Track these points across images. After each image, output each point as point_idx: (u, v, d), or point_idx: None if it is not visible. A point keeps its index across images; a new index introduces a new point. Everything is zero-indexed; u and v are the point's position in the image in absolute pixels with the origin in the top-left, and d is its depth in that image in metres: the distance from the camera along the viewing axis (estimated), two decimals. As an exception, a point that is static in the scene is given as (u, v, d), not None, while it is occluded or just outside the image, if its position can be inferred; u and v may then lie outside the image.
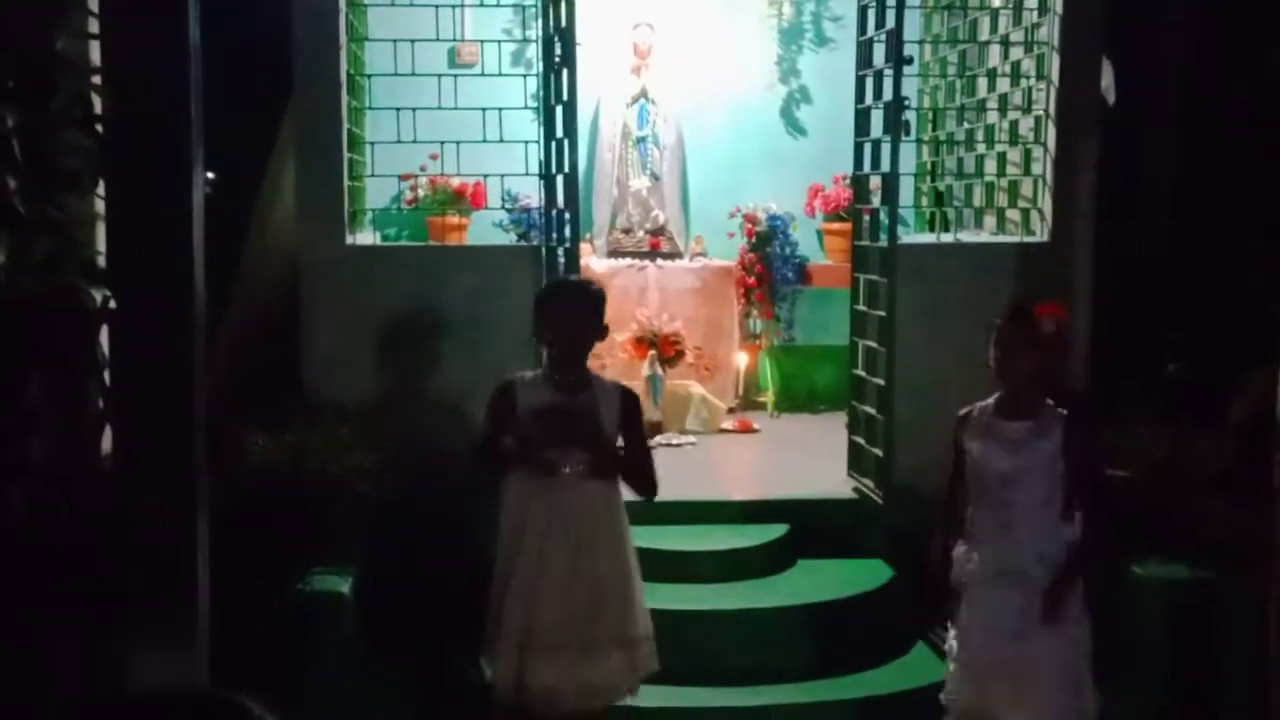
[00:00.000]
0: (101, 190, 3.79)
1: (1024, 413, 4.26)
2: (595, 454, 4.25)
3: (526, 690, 4.25)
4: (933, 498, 5.86)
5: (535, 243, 6.66)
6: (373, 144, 6.64)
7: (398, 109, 6.31)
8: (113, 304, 3.45)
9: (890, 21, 5.99)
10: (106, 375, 3.85)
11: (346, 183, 6.25)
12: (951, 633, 4.40)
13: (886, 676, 5.36)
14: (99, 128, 4.02)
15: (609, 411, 4.31)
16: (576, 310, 4.33)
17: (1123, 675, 5.23)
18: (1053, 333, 4.22)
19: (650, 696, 5.01)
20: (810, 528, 6.08)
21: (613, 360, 7.71)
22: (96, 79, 3.74)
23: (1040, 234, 6.48)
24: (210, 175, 9.19)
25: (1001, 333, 4.24)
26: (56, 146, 3.37)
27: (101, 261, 4.12)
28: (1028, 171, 6.60)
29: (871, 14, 6.22)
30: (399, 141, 6.31)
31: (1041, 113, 6.46)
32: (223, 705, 1.59)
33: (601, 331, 4.41)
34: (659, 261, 8.25)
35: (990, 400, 4.34)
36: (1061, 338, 4.26)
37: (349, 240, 6.27)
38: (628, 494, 4.43)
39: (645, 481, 4.40)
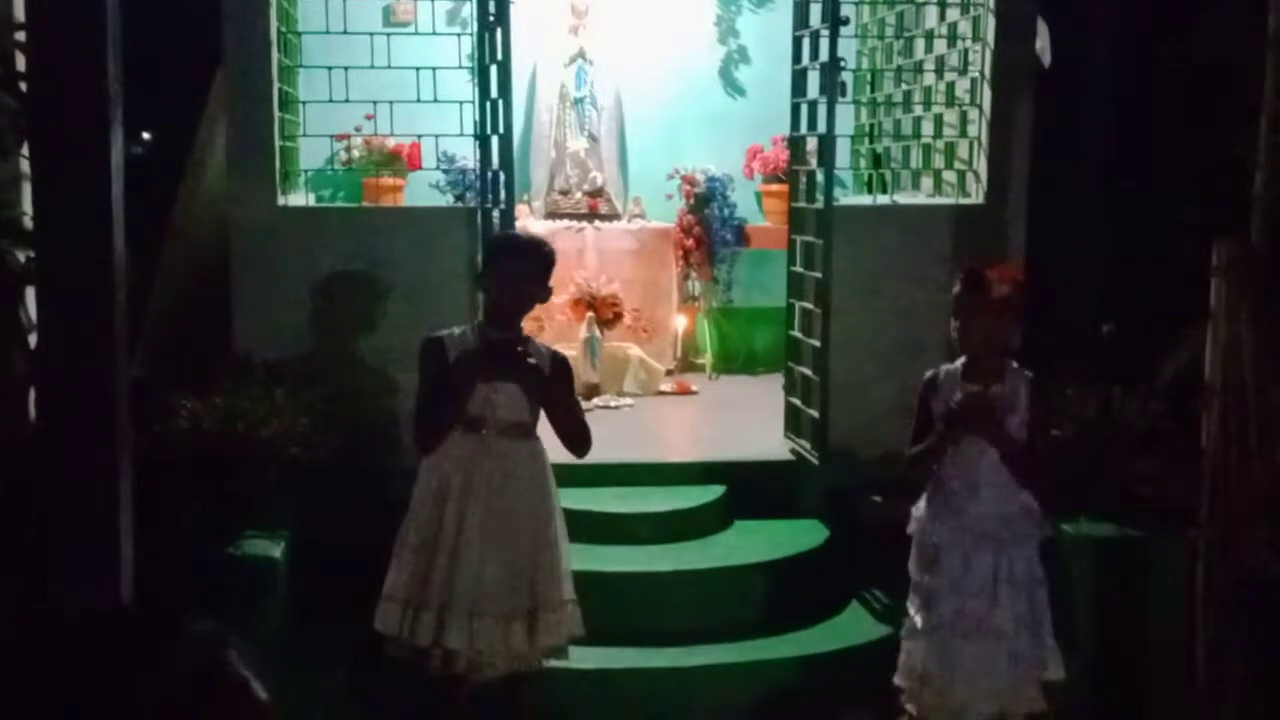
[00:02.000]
0: (27, 151, 3.73)
1: (989, 376, 4.27)
2: (532, 386, 4.21)
3: (449, 656, 4.24)
4: (869, 460, 5.95)
5: (471, 204, 6.61)
6: (305, 103, 6.55)
7: (330, 68, 6.22)
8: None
9: (827, -18, 5.97)
10: (33, 339, 3.80)
11: (278, 143, 6.16)
12: (912, 609, 4.39)
13: (822, 635, 5.40)
14: (22, 86, 3.95)
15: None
16: (527, 269, 4.28)
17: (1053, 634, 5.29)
18: (1007, 295, 4.22)
19: (586, 658, 5.02)
20: (747, 489, 6.10)
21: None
22: (20, 35, 3.67)
23: (976, 196, 6.51)
24: (145, 136, 9.08)
25: (959, 300, 4.25)
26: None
27: (28, 223, 4.06)
28: (964, 133, 6.62)
29: (808, -26, 6.20)
30: (331, 101, 6.23)
31: (977, 74, 6.48)
32: (154, 624, 1.45)
33: (546, 293, 4.39)
34: (597, 223, 8.22)
35: (956, 364, 4.35)
36: (1017, 299, 4.25)
37: (281, 201, 6.19)
38: (556, 456, 4.41)
39: (578, 432, 4.34)
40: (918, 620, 4.34)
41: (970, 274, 4.28)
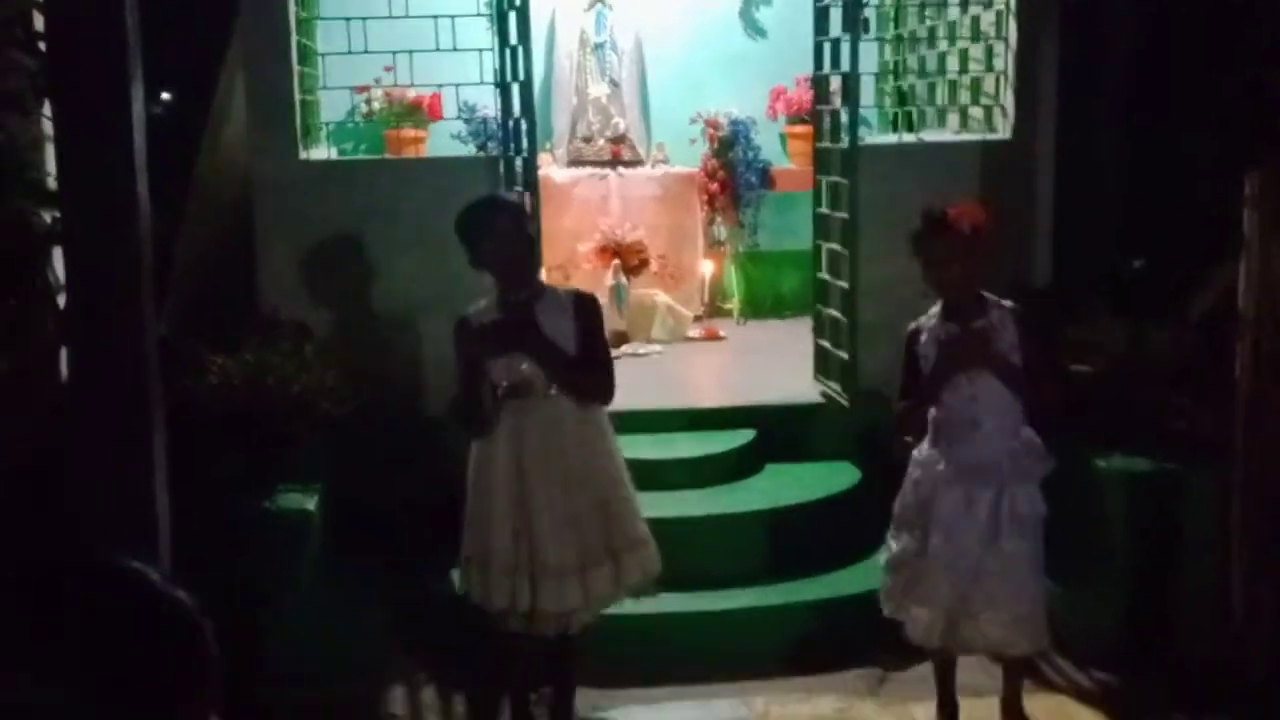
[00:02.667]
0: (49, 111, 3.71)
1: (971, 316, 4.23)
2: (541, 359, 4.20)
3: (539, 617, 4.25)
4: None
5: (494, 153, 6.58)
6: (324, 56, 6.52)
7: (348, 19, 6.19)
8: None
9: (848, -82, 5.89)
10: (61, 300, 3.81)
11: (298, 96, 6.14)
12: (899, 545, 4.38)
13: (853, 576, 5.39)
14: (41, 46, 3.94)
15: (562, 318, 4.25)
16: (496, 231, 4.22)
17: (1088, 568, 5.29)
18: (972, 233, 4.16)
19: (622, 604, 5.06)
20: (778, 433, 6.10)
21: (576, 271, 7.68)
22: (38, -4, 3.66)
23: (1003, 131, 6.44)
24: (165, 96, 9.07)
25: (922, 245, 4.20)
26: (-4, 66, 3.29)
27: (53, 184, 4.05)
28: (990, 68, 6.54)
29: (829, -90, 6.12)
30: (350, 53, 6.20)
31: (1002, 7, 6.39)
32: (111, 575, 1.42)
33: (531, 237, 4.35)
34: (620, 170, 8.17)
35: (935, 310, 4.31)
36: (981, 235, 4.19)
37: (302, 155, 6.17)
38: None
39: (596, 385, 4.32)
40: (907, 559, 4.33)
41: (930, 217, 4.20)
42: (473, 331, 4.21)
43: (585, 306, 4.35)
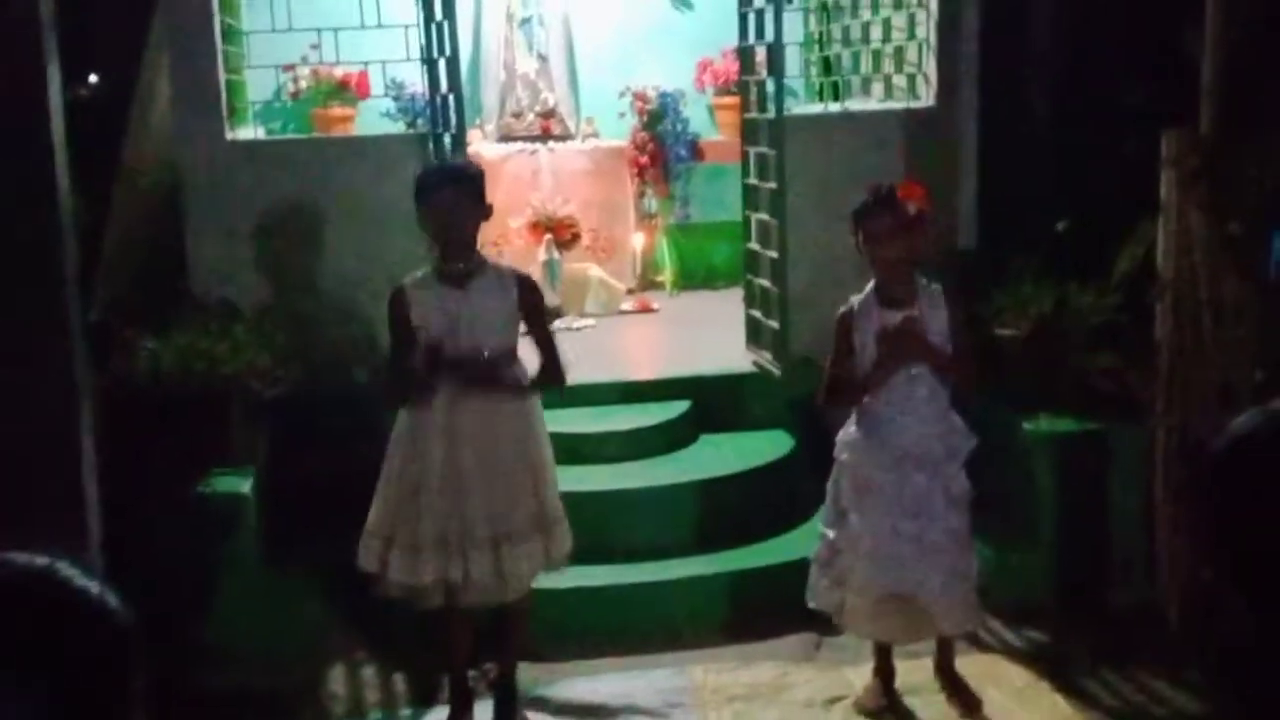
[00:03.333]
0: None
1: (905, 299, 4.26)
2: (486, 386, 4.23)
3: (471, 589, 4.26)
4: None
5: (423, 130, 6.56)
6: (249, 34, 6.47)
7: (272, -3, 6.15)
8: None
9: (769, -112, 5.91)
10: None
11: (224, 76, 6.09)
12: (834, 534, 4.41)
13: (789, 543, 5.45)
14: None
15: (504, 296, 4.26)
16: (455, 198, 4.21)
17: (1016, 529, 5.39)
18: (917, 214, 4.21)
19: (560, 577, 5.08)
20: (712, 403, 6.14)
21: (508, 246, 7.67)
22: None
23: (926, 99, 6.50)
24: (91, 79, 8.93)
25: (867, 223, 4.23)
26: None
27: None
28: (912, 36, 6.59)
29: (751, -119, 6.14)
30: (275, 31, 6.16)
31: (924, -25, 6.45)
32: (25, 575, 1.39)
33: (487, 211, 4.35)
34: (551, 145, 8.17)
35: (868, 290, 4.34)
36: (923, 218, 4.25)
37: (230, 136, 6.13)
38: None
39: (552, 374, 4.36)
40: (841, 547, 4.35)
41: (876, 195, 4.24)
42: (419, 376, 4.20)
43: (530, 288, 4.37)
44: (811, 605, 4.51)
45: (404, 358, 4.26)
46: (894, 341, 4.19)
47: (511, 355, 4.33)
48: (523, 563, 4.31)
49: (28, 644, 1.34)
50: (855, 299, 4.37)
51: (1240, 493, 1.51)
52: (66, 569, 1.40)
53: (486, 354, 4.20)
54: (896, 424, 4.27)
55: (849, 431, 4.39)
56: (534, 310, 4.35)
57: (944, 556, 4.26)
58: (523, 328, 4.37)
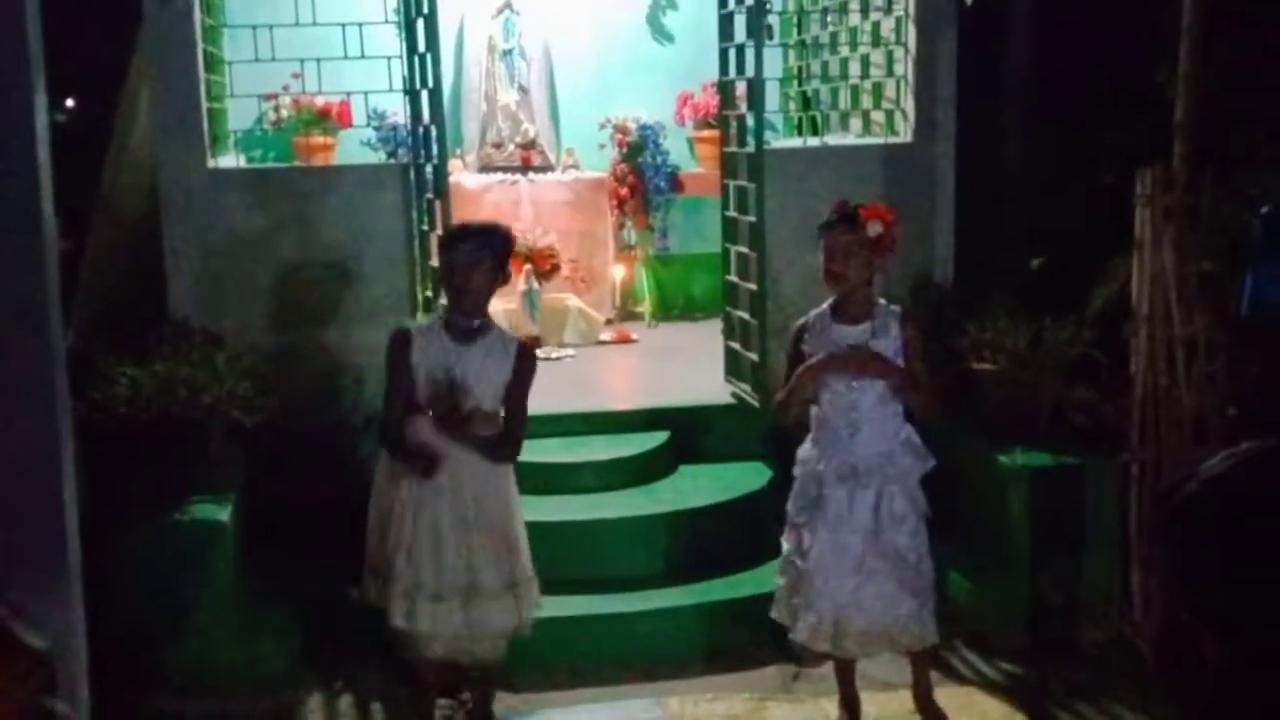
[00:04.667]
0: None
1: (859, 315, 4.31)
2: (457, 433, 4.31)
3: (421, 639, 4.34)
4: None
5: (404, 160, 6.58)
6: (230, 63, 6.49)
7: (254, 26, 6.16)
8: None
9: (750, -75, 5.98)
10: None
11: (205, 105, 6.10)
12: (790, 546, 4.44)
13: (766, 575, 5.41)
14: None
15: (502, 360, 4.34)
16: (480, 257, 4.28)
17: (993, 562, 5.42)
18: (880, 234, 4.26)
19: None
20: (691, 434, 6.16)
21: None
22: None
23: (904, 134, 6.57)
24: (69, 103, 8.90)
25: (830, 239, 4.27)
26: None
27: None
28: (890, 73, 6.66)
29: (732, -83, 6.20)
30: (257, 60, 6.18)
31: (902, 13, 6.52)
32: None
33: (507, 276, 4.43)
34: (531, 175, 8.20)
35: (824, 306, 4.39)
36: (891, 237, 4.29)
37: (211, 164, 6.14)
38: None
39: (507, 443, 4.41)
40: (797, 561, 4.39)
41: (841, 212, 4.30)
42: (413, 447, 4.30)
43: (527, 357, 4.44)
44: (773, 616, 4.54)
45: (399, 399, 4.32)
46: (850, 362, 4.24)
47: (497, 418, 4.39)
48: (494, 619, 4.37)
49: None
50: (812, 313, 4.42)
51: (1211, 535, 1.53)
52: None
53: (474, 406, 4.27)
54: (845, 440, 4.31)
55: (805, 447, 4.44)
56: (521, 378, 4.40)
57: (889, 575, 4.29)
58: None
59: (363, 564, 4.49)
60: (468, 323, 4.32)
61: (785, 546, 4.49)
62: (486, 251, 4.30)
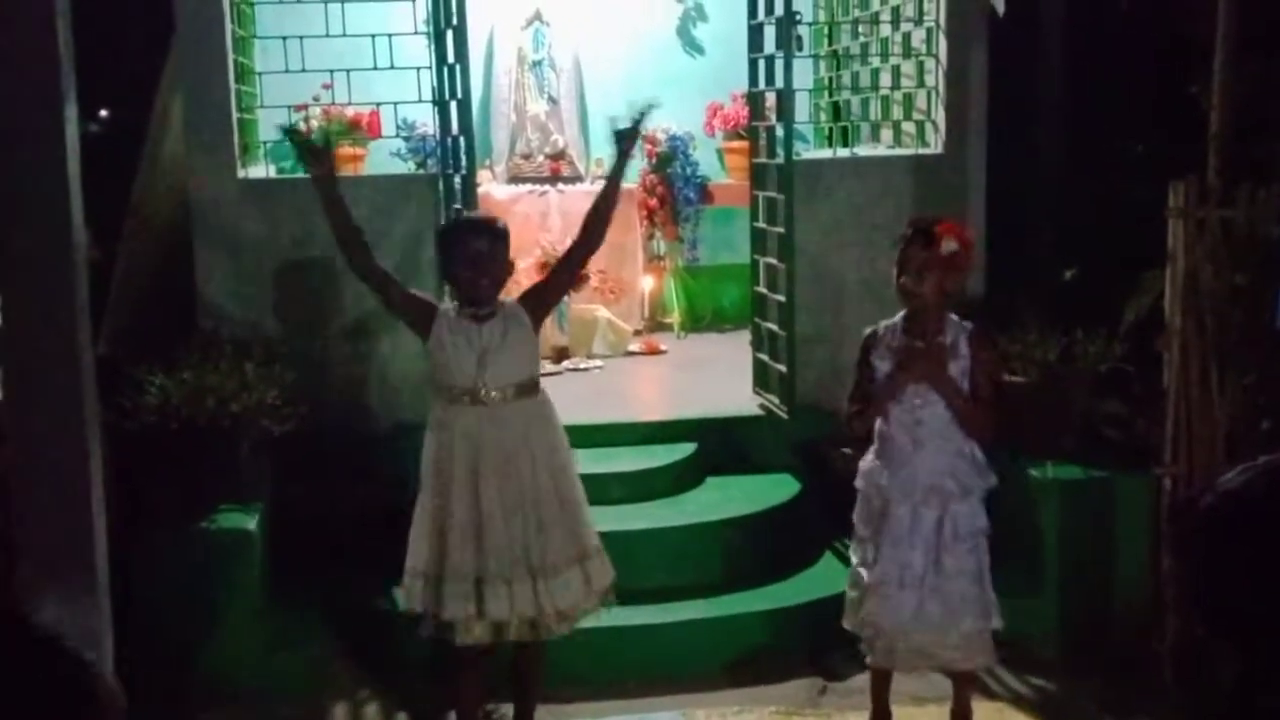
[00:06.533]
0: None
1: (931, 331, 4.29)
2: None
3: (489, 625, 4.24)
4: (837, 412, 5.99)
5: (433, 171, 6.59)
6: (261, 74, 6.52)
7: (285, 38, 6.19)
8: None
9: (781, -64, 5.97)
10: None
11: (236, 115, 6.13)
12: (858, 559, 4.42)
13: (796, 587, 5.46)
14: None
15: (523, 328, 4.35)
16: (491, 248, 4.30)
17: (1024, 577, 5.38)
18: (956, 251, 4.23)
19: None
20: (718, 445, 6.15)
21: (517, 287, 7.68)
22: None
23: (935, 146, 6.54)
24: (103, 113, 8.98)
25: (905, 254, 4.26)
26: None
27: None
28: (921, 84, 6.64)
29: (762, -72, 6.19)
30: (288, 71, 6.20)
31: (933, 24, 6.49)
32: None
33: (511, 267, 4.43)
34: (560, 186, 8.20)
35: (896, 318, 4.37)
36: (966, 255, 4.28)
37: (241, 174, 6.17)
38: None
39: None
40: (863, 573, 4.37)
41: (918, 228, 4.29)
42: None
43: (528, 294, 4.57)
44: (845, 625, 4.52)
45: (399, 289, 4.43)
46: (911, 358, 4.22)
47: (535, 384, 4.37)
48: (562, 595, 4.29)
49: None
50: (882, 324, 4.40)
51: (1229, 548, 1.51)
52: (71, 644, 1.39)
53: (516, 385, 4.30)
54: (909, 456, 4.29)
55: (868, 460, 4.42)
56: (538, 289, 4.59)
57: (951, 593, 4.27)
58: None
59: (396, 572, 4.41)
60: (482, 311, 4.31)
61: (854, 558, 4.47)
62: (497, 239, 4.34)
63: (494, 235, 4.35)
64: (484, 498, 4.21)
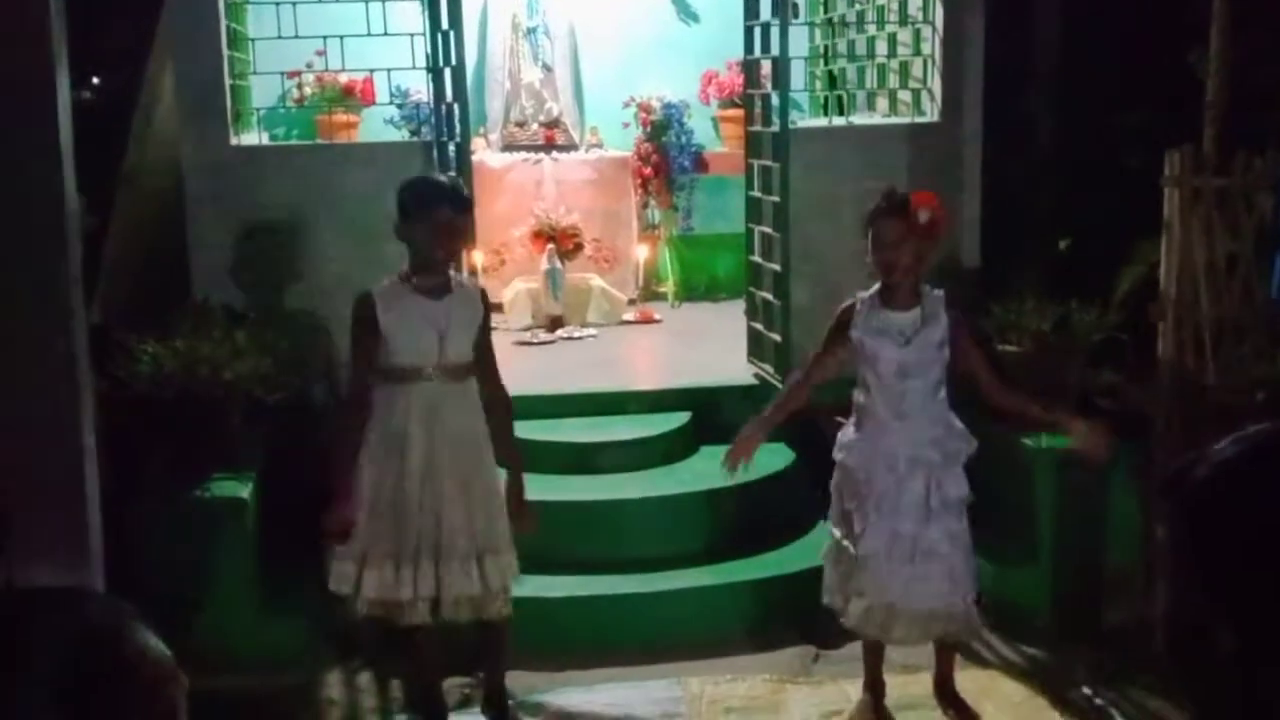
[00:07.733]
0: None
1: (908, 302, 4.28)
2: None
3: (433, 603, 4.25)
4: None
5: (427, 138, 6.57)
6: (254, 40, 6.48)
7: (278, 2, 6.16)
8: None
9: (776, -98, 5.93)
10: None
11: (229, 82, 6.10)
12: (841, 533, 4.42)
13: (787, 557, 5.46)
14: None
15: (473, 309, 4.30)
16: (456, 215, 4.22)
17: (1016, 545, 5.39)
18: (929, 222, 4.22)
19: (558, 586, 5.10)
20: (713, 414, 6.13)
21: (511, 255, 7.69)
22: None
23: (931, 114, 6.52)
24: (95, 80, 8.92)
25: (877, 226, 4.25)
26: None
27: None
28: (917, 52, 6.61)
29: (758, -105, 6.15)
30: (280, 37, 6.17)
31: (929, -9, 6.47)
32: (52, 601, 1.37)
33: (472, 235, 4.38)
34: (554, 154, 8.17)
35: (872, 291, 4.35)
36: (938, 226, 4.26)
37: (234, 141, 6.14)
38: (521, 387, 4.44)
39: (505, 405, 4.43)
40: (849, 547, 4.35)
41: (890, 199, 4.27)
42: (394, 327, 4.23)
43: (488, 302, 4.45)
44: (825, 603, 4.51)
45: (366, 363, 4.23)
46: (1098, 445, 4.37)
47: (472, 368, 4.33)
48: (506, 575, 4.32)
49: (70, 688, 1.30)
50: (861, 294, 4.37)
51: (1222, 521, 1.50)
52: (133, 622, 1.36)
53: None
54: (892, 428, 4.28)
55: (847, 433, 4.41)
56: (487, 321, 4.40)
57: (941, 561, 4.27)
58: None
59: None
60: (437, 280, 4.23)
61: (834, 533, 4.45)
62: (461, 206, 4.26)
63: (463, 205, 4.29)
64: (438, 477, 4.21)
